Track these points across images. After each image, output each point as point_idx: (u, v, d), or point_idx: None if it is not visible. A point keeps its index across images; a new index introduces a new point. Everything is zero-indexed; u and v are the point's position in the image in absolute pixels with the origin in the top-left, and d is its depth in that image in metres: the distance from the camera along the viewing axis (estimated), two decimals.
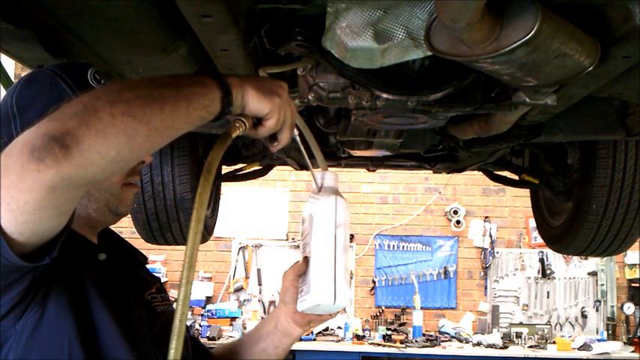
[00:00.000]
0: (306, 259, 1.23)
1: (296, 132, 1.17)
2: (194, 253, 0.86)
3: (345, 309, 6.84)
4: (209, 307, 6.84)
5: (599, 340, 6.46)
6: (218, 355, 1.44)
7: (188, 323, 1.53)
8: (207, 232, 3.27)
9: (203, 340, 5.23)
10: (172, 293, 6.79)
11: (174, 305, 0.85)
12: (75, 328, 1.01)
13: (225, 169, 3.36)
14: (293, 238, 7.03)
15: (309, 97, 1.68)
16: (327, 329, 6.62)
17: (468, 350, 6.29)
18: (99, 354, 1.03)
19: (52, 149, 0.77)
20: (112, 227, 1.29)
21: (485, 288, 7.05)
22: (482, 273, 7.05)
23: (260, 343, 1.37)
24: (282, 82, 1.07)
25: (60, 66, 1.16)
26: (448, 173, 3.25)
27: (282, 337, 1.34)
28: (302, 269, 1.24)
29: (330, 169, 1.30)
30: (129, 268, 1.25)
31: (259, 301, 6.95)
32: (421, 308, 6.66)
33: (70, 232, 1.13)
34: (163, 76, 0.92)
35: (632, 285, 6.84)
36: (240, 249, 7.06)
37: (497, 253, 7.04)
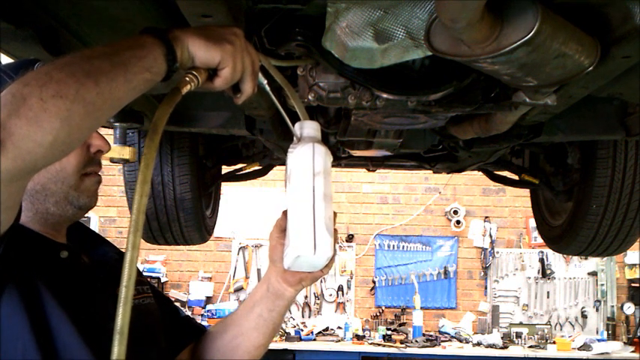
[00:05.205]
0: (285, 213, 1.16)
1: (264, 81, 1.11)
2: (140, 217, 0.82)
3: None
4: (209, 307, 6.84)
5: (599, 340, 6.46)
6: (216, 332, 1.40)
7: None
8: (207, 232, 3.27)
9: None
10: (172, 293, 6.81)
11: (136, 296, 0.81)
12: (28, 329, 0.99)
13: (225, 169, 3.36)
14: None
15: (309, 97, 1.68)
16: (327, 329, 6.62)
17: (468, 350, 6.29)
18: (55, 354, 1.01)
19: None
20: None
21: (485, 288, 7.05)
22: (482, 273, 7.05)
23: (255, 309, 1.32)
24: (235, 29, 0.99)
25: (6, 65, 1.13)
26: (448, 173, 3.25)
27: (275, 300, 1.29)
28: (283, 224, 1.16)
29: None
30: (100, 263, 1.22)
31: None
32: (421, 308, 6.66)
33: (27, 232, 1.10)
34: (99, 47, 0.85)
35: (632, 285, 6.84)
36: (240, 249, 7.06)
37: (497, 253, 7.04)
